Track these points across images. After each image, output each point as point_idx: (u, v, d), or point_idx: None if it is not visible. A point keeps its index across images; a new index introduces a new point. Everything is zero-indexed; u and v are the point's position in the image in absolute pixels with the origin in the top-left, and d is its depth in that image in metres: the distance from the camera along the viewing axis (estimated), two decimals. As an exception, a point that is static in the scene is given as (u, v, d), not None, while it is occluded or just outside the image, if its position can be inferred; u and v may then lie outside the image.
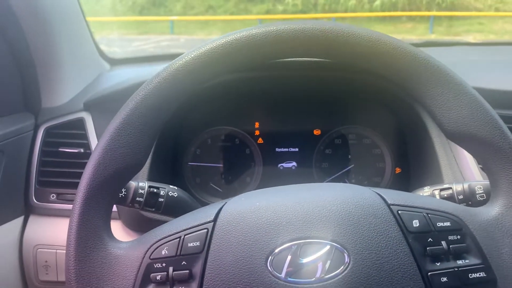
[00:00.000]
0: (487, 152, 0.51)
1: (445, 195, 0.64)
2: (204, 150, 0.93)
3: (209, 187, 0.92)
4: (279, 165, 0.93)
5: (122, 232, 0.79)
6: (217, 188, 0.92)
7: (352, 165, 0.92)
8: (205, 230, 0.48)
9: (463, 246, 0.48)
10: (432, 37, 11.84)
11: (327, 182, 0.92)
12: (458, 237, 0.48)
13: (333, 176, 0.92)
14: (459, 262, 0.47)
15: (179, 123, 0.90)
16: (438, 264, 0.47)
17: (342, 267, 0.44)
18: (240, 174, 0.93)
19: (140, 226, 0.78)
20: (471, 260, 0.48)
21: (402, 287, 0.44)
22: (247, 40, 0.51)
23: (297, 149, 0.93)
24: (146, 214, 0.73)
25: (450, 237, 0.48)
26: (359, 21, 13.44)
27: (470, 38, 11.29)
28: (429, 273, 0.46)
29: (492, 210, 0.51)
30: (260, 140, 0.93)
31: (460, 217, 0.50)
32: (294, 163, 0.93)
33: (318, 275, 0.44)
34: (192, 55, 0.50)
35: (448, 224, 0.49)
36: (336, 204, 0.48)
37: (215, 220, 0.48)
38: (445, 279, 0.46)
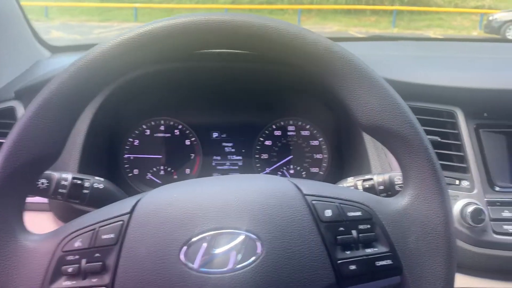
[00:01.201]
0: (397, 144, 0.53)
1: (367, 186, 0.66)
2: (143, 141, 0.92)
3: (147, 179, 0.91)
4: (219, 156, 0.93)
5: (53, 224, 0.77)
6: (155, 180, 0.91)
7: (291, 156, 0.94)
8: (121, 222, 0.47)
9: (372, 235, 0.50)
10: (395, 31, 12.10)
11: (266, 173, 0.94)
12: (368, 226, 0.50)
13: (273, 167, 0.93)
14: (368, 250, 0.49)
15: (115, 114, 0.88)
16: (348, 252, 0.48)
17: (255, 257, 0.45)
18: (180, 166, 0.92)
19: (71, 218, 0.76)
20: (379, 248, 0.50)
21: (312, 275, 0.46)
22: (167, 30, 0.50)
23: (237, 140, 0.93)
24: (76, 206, 0.72)
25: (361, 226, 0.50)
26: (324, 13, 13.56)
27: (430, 33, 11.61)
28: (338, 261, 0.47)
29: (402, 200, 0.53)
30: (200, 131, 0.93)
31: (371, 207, 0.51)
32: (234, 155, 0.93)
33: (230, 265, 0.45)
34: (110, 44, 0.49)
35: (359, 213, 0.50)
36: (252, 195, 0.49)
37: (131, 212, 0.48)
38: (353, 267, 0.48)
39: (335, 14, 13.44)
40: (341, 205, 0.51)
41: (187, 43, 0.51)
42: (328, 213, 0.50)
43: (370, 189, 0.66)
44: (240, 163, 0.94)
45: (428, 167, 0.52)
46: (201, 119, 0.92)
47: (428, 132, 0.77)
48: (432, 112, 0.78)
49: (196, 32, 0.50)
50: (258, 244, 0.46)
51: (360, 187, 0.67)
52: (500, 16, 11.73)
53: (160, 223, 0.46)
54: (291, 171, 0.94)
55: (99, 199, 0.63)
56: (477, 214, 0.71)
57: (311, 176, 0.94)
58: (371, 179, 0.67)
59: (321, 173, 0.94)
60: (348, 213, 0.50)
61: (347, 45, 1.28)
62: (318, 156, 0.94)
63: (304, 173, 0.94)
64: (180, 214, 0.47)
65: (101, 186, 0.64)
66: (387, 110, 0.52)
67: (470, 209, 0.71)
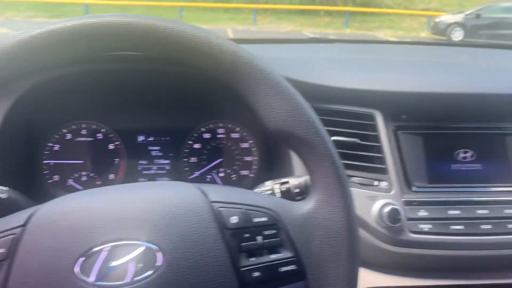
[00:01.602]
0: (303, 149, 0.53)
1: (283, 189, 0.66)
2: (64, 146, 0.88)
3: (68, 185, 0.87)
4: (145, 160, 0.91)
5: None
6: (77, 186, 0.88)
7: (221, 159, 0.93)
8: (12, 235, 0.45)
9: (277, 241, 0.50)
10: (347, 31, 12.40)
11: (195, 176, 0.92)
12: (274, 231, 0.50)
13: (202, 170, 0.92)
14: (273, 256, 0.49)
15: (31, 118, 0.84)
16: (252, 259, 0.48)
17: (155, 268, 0.43)
18: (103, 171, 0.89)
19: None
20: (284, 254, 0.50)
21: (214, 284, 0.45)
22: (64, 32, 0.48)
23: (164, 144, 0.91)
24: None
25: (266, 232, 0.50)
26: (279, 13, 13.68)
27: (381, 34, 11.99)
28: (242, 269, 0.47)
29: (307, 205, 0.53)
30: (124, 135, 0.90)
31: (277, 212, 0.51)
32: (161, 159, 0.91)
33: (128, 278, 0.43)
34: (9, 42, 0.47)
35: (265, 219, 0.50)
36: (154, 203, 0.47)
37: (25, 224, 0.45)
38: (257, 273, 0.48)
39: (290, 14, 13.59)
40: (248, 211, 0.50)
41: (87, 46, 0.50)
42: (234, 219, 0.49)
43: (287, 193, 0.66)
44: (167, 167, 0.92)
45: (332, 172, 0.53)
46: (126, 122, 0.89)
47: (348, 135, 0.79)
48: (352, 115, 0.79)
49: (96, 35, 0.49)
50: (159, 255, 0.44)
51: (277, 190, 0.67)
52: (446, 18, 12.30)
53: (55, 235, 0.44)
54: (221, 174, 0.93)
55: (2, 210, 0.60)
56: (394, 214, 0.73)
57: (242, 179, 0.93)
58: (287, 182, 0.67)
59: (251, 175, 0.94)
60: (254, 219, 0.50)
61: (284, 47, 1.29)
62: (248, 158, 0.94)
63: (234, 176, 0.93)
64: (77, 225, 0.45)
65: (3, 196, 0.60)
66: (292, 116, 0.52)
67: (387, 209, 0.73)
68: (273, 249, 0.50)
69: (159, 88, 0.88)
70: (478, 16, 11.64)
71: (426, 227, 0.75)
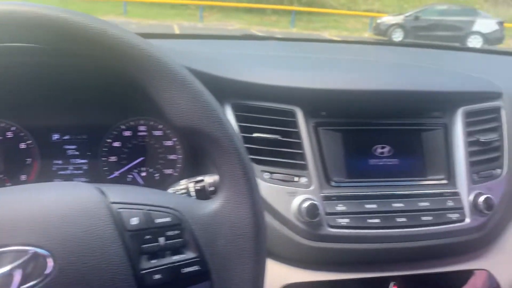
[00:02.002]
0: (210, 146, 0.52)
1: (198, 188, 0.65)
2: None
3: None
4: (60, 160, 0.86)
5: None
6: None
7: (142, 158, 0.90)
8: None
9: (180, 241, 0.48)
10: (294, 31, 12.60)
11: (115, 176, 0.88)
12: (177, 232, 0.48)
13: (122, 170, 0.88)
14: (175, 257, 0.48)
15: None
16: (153, 261, 0.46)
17: (43, 276, 0.41)
18: (14, 172, 0.83)
19: None
20: (187, 255, 0.48)
21: None
22: None
23: (81, 143, 0.87)
24: None
25: (169, 233, 0.48)
26: (226, 10, 13.65)
27: (326, 34, 12.28)
28: (142, 272, 0.45)
29: (214, 203, 0.52)
30: (37, 133, 0.84)
31: (182, 212, 0.50)
32: (78, 158, 0.87)
33: (14, 286, 0.40)
34: None
35: (168, 219, 0.48)
36: (46, 206, 0.44)
37: None
38: (158, 276, 0.46)
39: (237, 12, 13.59)
40: (150, 211, 0.48)
41: None
42: (135, 221, 0.47)
43: (201, 191, 0.65)
44: (85, 167, 0.87)
45: (239, 169, 0.52)
46: (38, 119, 0.84)
47: (269, 131, 0.78)
48: (273, 112, 0.79)
49: None
50: (50, 261, 0.41)
51: (192, 189, 0.65)
52: (387, 19, 12.81)
53: None
54: (143, 174, 0.90)
55: None
56: (312, 209, 0.73)
57: (166, 178, 0.91)
58: (202, 180, 0.65)
59: (175, 174, 0.91)
60: (156, 220, 0.48)
61: (211, 43, 1.27)
62: (172, 157, 0.91)
63: (157, 175, 0.90)
64: None
65: None
66: (197, 111, 0.51)
67: (306, 204, 0.73)
68: (176, 250, 0.48)
69: (73, 83, 0.83)
70: (417, 18, 12.23)
71: (343, 221, 0.76)
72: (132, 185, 0.54)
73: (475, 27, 11.81)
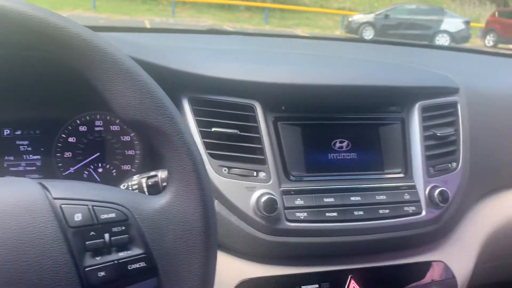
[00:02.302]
0: (159, 139, 0.51)
1: (150, 183, 0.64)
2: None
3: None
4: (12, 156, 0.83)
5: None
6: None
7: (98, 154, 0.87)
8: None
9: (126, 237, 0.47)
10: (267, 28, 12.61)
11: (70, 172, 0.86)
12: (123, 228, 0.47)
13: (77, 166, 0.86)
14: (121, 254, 0.46)
15: None
16: (98, 258, 0.45)
17: None
18: (-39, 168, 0.80)
19: None
20: (133, 251, 0.47)
21: (54, 287, 0.41)
22: None
23: (34, 138, 0.84)
24: None
25: (114, 229, 0.47)
26: (199, 6, 13.53)
27: (299, 31, 12.34)
28: (86, 269, 0.44)
29: (162, 198, 0.51)
30: None
31: (128, 207, 0.48)
32: (31, 154, 0.84)
33: None
34: None
35: (113, 215, 0.47)
36: None
37: None
38: (103, 273, 0.45)
39: (210, 8, 13.50)
40: (94, 207, 0.47)
41: None
42: (78, 217, 0.46)
43: (154, 186, 0.63)
44: (38, 163, 0.84)
45: (189, 163, 0.51)
46: None
47: (228, 126, 0.77)
48: (232, 106, 0.78)
49: None
50: None
51: (144, 185, 0.64)
52: (357, 18, 13.00)
53: None
54: (100, 170, 0.87)
55: None
56: (271, 204, 0.73)
57: (123, 174, 0.88)
58: (155, 175, 0.64)
59: (133, 170, 0.89)
60: (101, 215, 0.47)
61: (170, 36, 1.25)
62: (130, 152, 0.89)
63: (114, 171, 0.88)
64: None
65: None
66: (144, 103, 0.50)
67: (264, 199, 0.73)
68: (122, 247, 0.47)
69: (23, 77, 0.80)
70: (386, 16, 12.46)
71: (302, 215, 0.76)
72: (78, 181, 0.52)
73: (443, 26, 12.15)
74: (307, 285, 0.77)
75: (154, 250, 0.48)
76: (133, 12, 12.06)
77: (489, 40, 13.13)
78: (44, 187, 0.47)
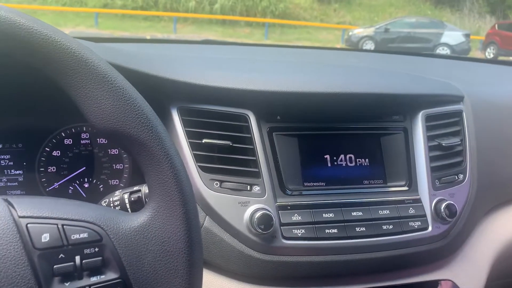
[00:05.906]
0: (137, 150, 0.46)
1: (133, 199, 0.59)
2: None
3: None
4: (-9, 171, 0.78)
5: None
6: None
7: (84, 168, 0.83)
8: None
9: (99, 260, 0.42)
10: (267, 43, 12.65)
11: (54, 188, 0.81)
12: (96, 249, 0.42)
13: (62, 181, 0.81)
14: (93, 279, 0.42)
15: None
16: (67, 284, 0.41)
17: None
18: None
19: None
20: (107, 275, 0.42)
21: None
22: None
23: (16, 152, 0.79)
24: None
25: (86, 251, 0.42)
26: (200, 22, 13.64)
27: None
28: None
29: (142, 215, 0.46)
30: None
31: (102, 226, 0.44)
32: (12, 169, 0.79)
33: None
34: None
35: (85, 235, 0.42)
36: None
37: None
38: None
39: (211, 24, 13.60)
40: (65, 226, 0.42)
41: None
42: (46, 237, 0.41)
43: (137, 202, 0.59)
44: (20, 179, 0.80)
45: (171, 177, 0.46)
46: None
47: (220, 137, 0.73)
48: (224, 116, 0.74)
49: None
50: None
51: (126, 200, 0.59)
52: (358, 32, 13.05)
53: None
54: (86, 185, 0.83)
55: None
56: (266, 220, 0.68)
57: (111, 189, 0.83)
58: (139, 190, 0.59)
59: (121, 185, 0.85)
60: (72, 235, 0.42)
61: (163, 46, 1.22)
62: (118, 166, 0.85)
63: (101, 186, 0.84)
64: None
65: None
66: (122, 112, 0.45)
67: (258, 214, 0.68)
68: (95, 271, 0.42)
69: (7, 86, 0.76)
70: (387, 30, 12.51)
71: (299, 232, 0.71)
72: (48, 197, 0.48)
73: (443, 39, 12.17)
74: None
75: (130, 274, 0.43)
76: (135, 29, 12.15)
77: (490, 53, 13.14)
78: (9, 203, 0.42)
